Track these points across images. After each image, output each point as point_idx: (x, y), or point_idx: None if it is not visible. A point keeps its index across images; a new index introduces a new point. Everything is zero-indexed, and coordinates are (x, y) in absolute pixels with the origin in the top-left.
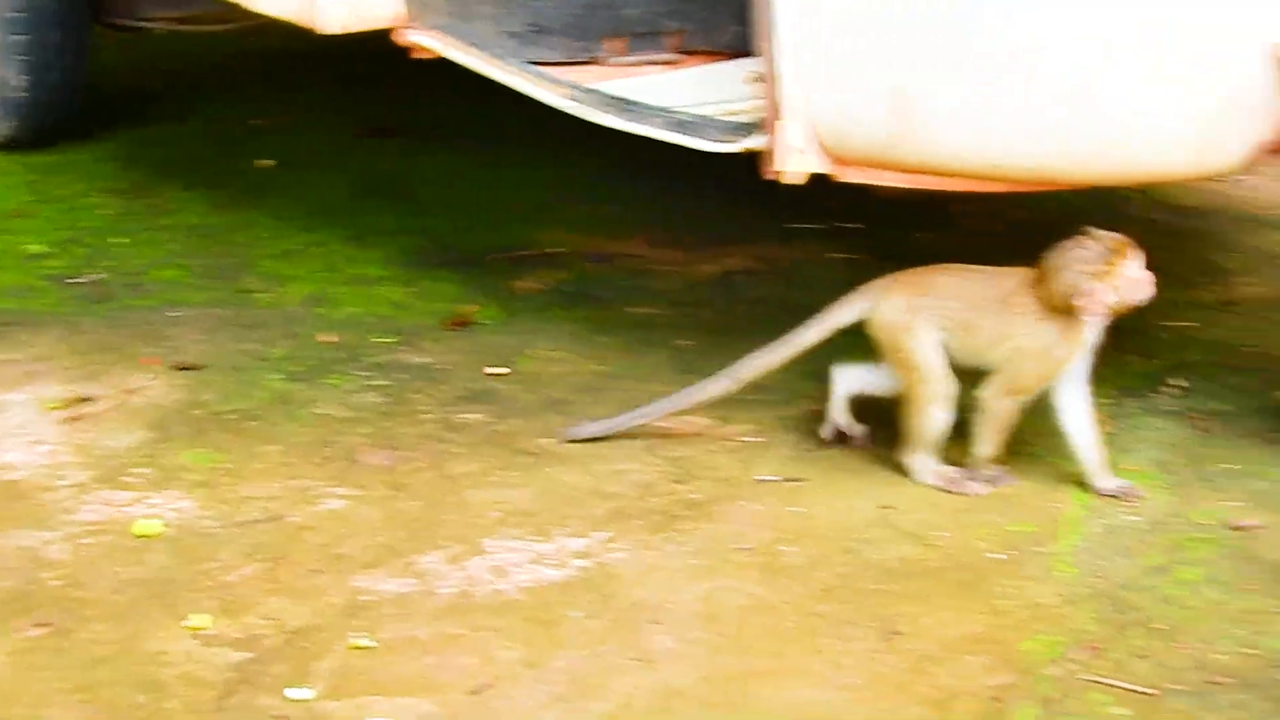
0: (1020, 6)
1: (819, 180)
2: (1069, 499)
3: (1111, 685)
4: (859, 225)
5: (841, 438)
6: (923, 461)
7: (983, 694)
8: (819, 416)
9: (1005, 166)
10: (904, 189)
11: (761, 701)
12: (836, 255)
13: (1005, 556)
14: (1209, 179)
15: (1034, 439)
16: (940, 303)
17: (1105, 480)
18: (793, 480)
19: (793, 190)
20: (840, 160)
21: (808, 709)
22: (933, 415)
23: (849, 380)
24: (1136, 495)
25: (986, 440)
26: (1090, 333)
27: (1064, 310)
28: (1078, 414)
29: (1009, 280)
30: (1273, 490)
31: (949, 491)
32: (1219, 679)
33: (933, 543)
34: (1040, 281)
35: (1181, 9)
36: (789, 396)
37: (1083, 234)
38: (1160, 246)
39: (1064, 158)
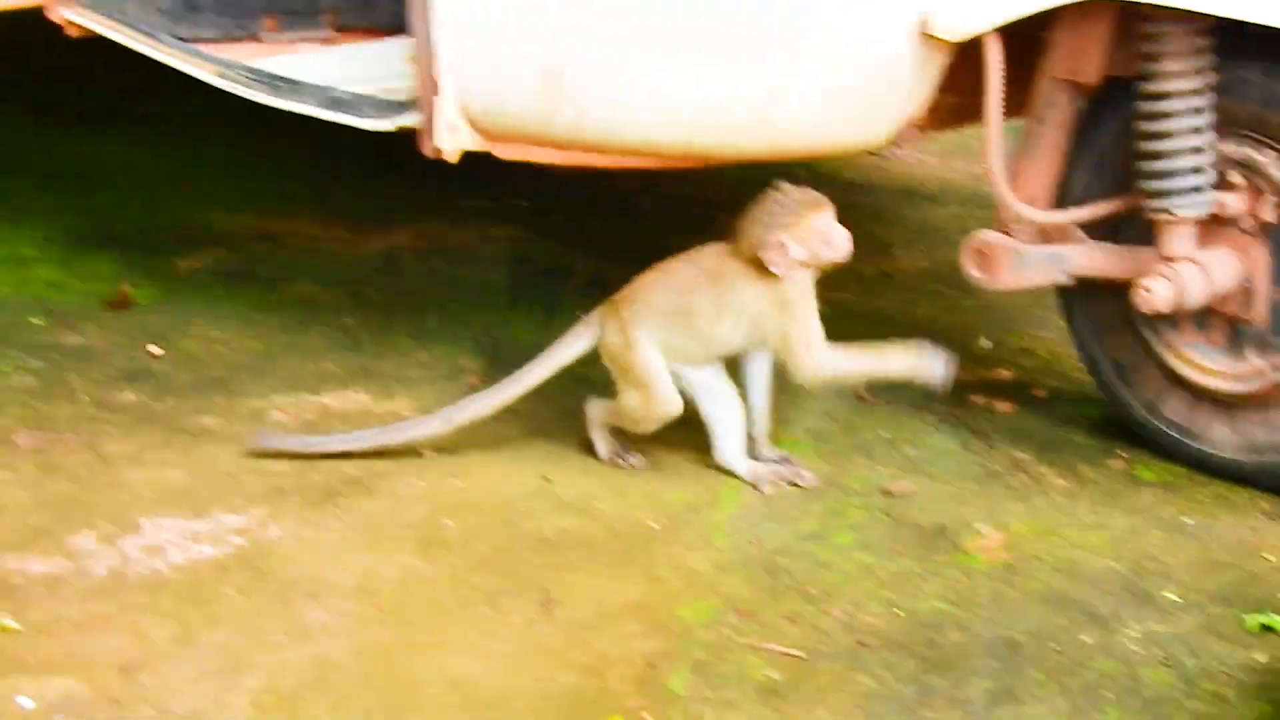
0: None
1: (490, 158)
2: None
3: (763, 648)
4: (526, 203)
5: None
6: (604, 441)
7: (637, 660)
8: (479, 390)
9: (655, 142)
10: (572, 166)
11: (415, 672)
12: (503, 233)
13: (663, 525)
14: (861, 154)
15: (692, 409)
16: (651, 301)
17: (766, 451)
18: (454, 454)
19: (462, 168)
20: (494, 137)
21: (462, 679)
22: (643, 426)
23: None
24: (794, 471)
25: (884, 368)
26: (801, 284)
27: (758, 265)
28: (759, 381)
29: (710, 255)
30: (923, 457)
31: (615, 465)
32: (867, 640)
33: (592, 513)
34: (736, 240)
35: None
36: (451, 371)
37: (773, 188)
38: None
39: (713, 134)
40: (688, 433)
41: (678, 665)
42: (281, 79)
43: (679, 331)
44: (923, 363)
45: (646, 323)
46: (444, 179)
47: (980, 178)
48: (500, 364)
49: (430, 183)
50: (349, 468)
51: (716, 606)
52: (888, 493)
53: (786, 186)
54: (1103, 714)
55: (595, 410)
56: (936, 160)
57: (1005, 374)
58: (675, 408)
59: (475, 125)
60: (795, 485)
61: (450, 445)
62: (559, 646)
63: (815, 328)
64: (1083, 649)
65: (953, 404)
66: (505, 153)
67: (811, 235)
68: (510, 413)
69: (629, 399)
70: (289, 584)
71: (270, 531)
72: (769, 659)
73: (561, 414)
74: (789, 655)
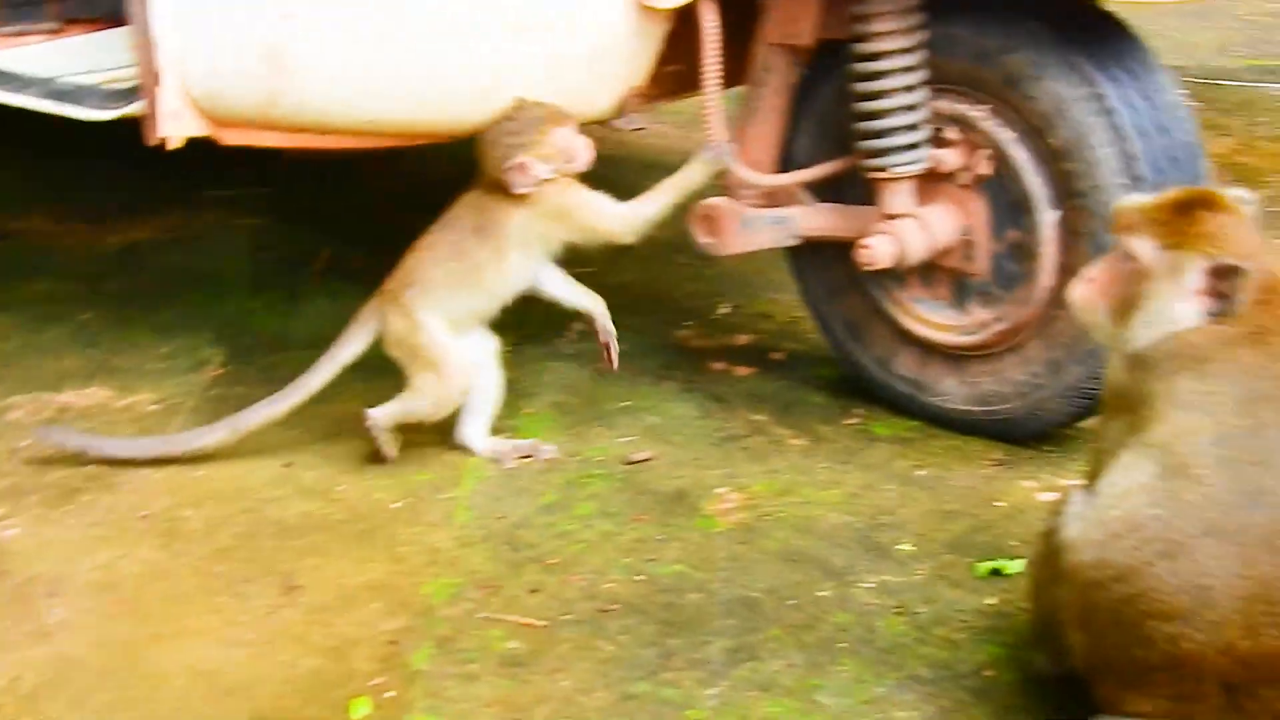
0: None
1: (233, 148)
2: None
3: (505, 620)
4: (267, 190)
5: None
6: (390, 443)
7: (380, 639)
8: (222, 380)
9: (380, 121)
10: (301, 149)
11: (158, 664)
12: (245, 222)
13: (405, 506)
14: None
15: None
16: (430, 278)
17: (606, 326)
18: None
19: (204, 157)
20: (219, 122)
21: (204, 668)
22: (442, 410)
23: (477, 429)
24: (534, 445)
25: (685, 187)
26: (559, 185)
27: (506, 189)
28: (556, 281)
29: (464, 210)
30: (664, 425)
31: (383, 453)
32: (609, 606)
33: (334, 497)
34: (480, 171)
35: None
36: (194, 363)
37: (512, 105)
38: None
39: (437, 111)
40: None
41: (420, 642)
42: (4, 73)
43: (468, 295)
44: (713, 158)
45: (430, 300)
46: (186, 169)
47: None
48: (243, 353)
49: (172, 174)
50: (89, 465)
51: (459, 582)
52: (628, 461)
53: (523, 102)
54: (838, 665)
55: (379, 417)
56: (677, 131)
57: (744, 339)
58: (472, 378)
59: (199, 111)
60: (532, 458)
61: None
62: (302, 630)
63: (599, 201)
64: (819, 603)
65: (692, 371)
66: (231, 138)
67: (554, 151)
68: (255, 400)
69: (424, 384)
70: (28, 583)
71: (8, 531)
72: (511, 630)
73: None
74: (531, 626)
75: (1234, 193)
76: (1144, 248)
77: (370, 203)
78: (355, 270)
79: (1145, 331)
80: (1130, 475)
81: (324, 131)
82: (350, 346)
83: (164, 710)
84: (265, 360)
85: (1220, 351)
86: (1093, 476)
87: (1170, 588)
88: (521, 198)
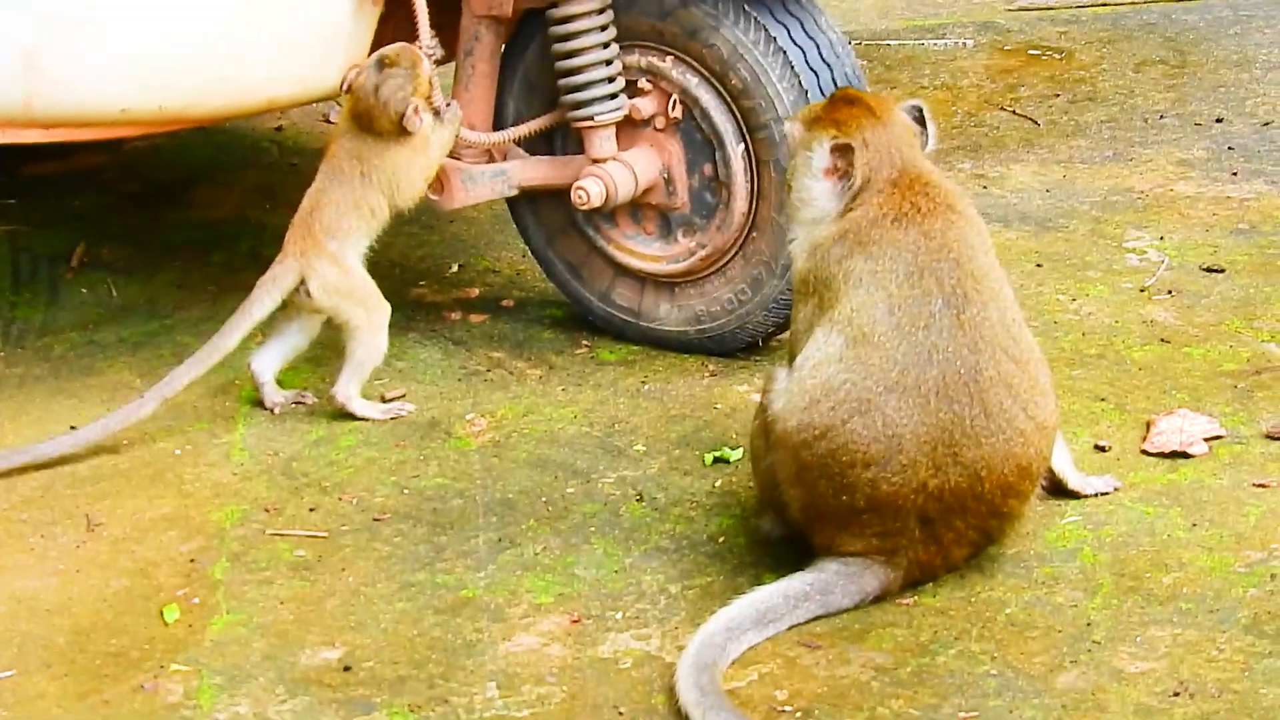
0: None
1: None
2: (237, 397)
3: (290, 534)
4: (12, 200)
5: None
6: (372, 407)
7: (180, 559)
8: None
9: (132, 111)
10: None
11: None
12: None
13: (186, 450)
14: (315, 102)
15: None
16: (344, 223)
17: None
18: None
19: None
20: None
21: (24, 595)
22: (384, 343)
23: (270, 363)
24: (299, 394)
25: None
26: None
27: (392, 131)
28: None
29: (343, 161)
30: (411, 367)
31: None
32: (381, 516)
33: (120, 449)
34: (362, 120)
35: None
36: None
37: (380, 58)
38: (298, 188)
39: (183, 97)
40: (204, 379)
41: (217, 558)
42: None
43: (368, 237)
44: (453, 115)
45: (351, 247)
46: None
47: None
48: (15, 339)
49: None
50: None
51: (244, 509)
52: (383, 398)
53: (389, 55)
54: (590, 544)
55: (350, 389)
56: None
57: (475, 291)
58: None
59: None
60: (302, 404)
61: None
62: (108, 558)
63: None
64: (568, 498)
65: (432, 322)
66: None
67: (432, 90)
68: (34, 377)
69: (364, 323)
70: None
71: None
72: (297, 542)
73: (85, 371)
74: (314, 537)
75: (908, 102)
76: (794, 129)
77: (111, 203)
78: (108, 261)
79: (804, 212)
80: (822, 349)
81: (82, 125)
82: (263, 303)
83: None
84: (37, 343)
85: (878, 234)
86: (792, 356)
87: (865, 439)
88: (400, 139)
